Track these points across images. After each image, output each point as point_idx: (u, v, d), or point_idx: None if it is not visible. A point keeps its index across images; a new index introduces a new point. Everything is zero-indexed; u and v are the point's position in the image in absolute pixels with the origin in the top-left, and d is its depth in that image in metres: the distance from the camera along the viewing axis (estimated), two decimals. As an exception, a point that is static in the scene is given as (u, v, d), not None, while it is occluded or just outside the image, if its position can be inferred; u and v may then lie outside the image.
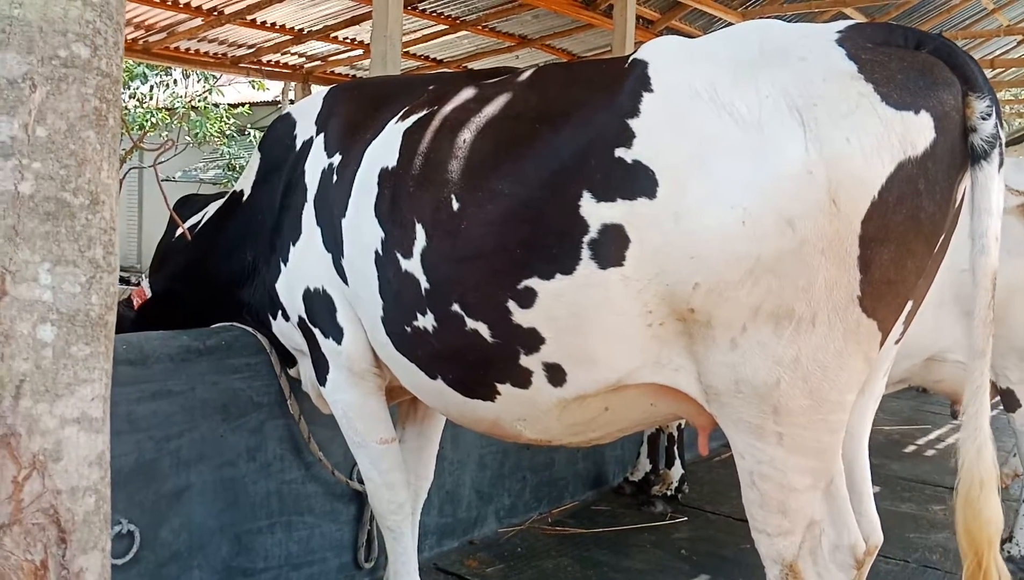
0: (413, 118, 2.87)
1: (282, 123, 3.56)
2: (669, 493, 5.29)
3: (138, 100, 15.66)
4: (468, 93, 2.80)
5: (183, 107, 15.85)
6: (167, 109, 15.90)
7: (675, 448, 5.37)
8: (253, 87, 15.33)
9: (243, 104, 16.91)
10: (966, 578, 2.26)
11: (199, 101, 16.21)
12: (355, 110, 3.24)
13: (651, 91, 2.32)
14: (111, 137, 1.82)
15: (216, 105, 16.38)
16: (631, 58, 2.47)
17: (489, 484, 4.75)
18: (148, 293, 3.84)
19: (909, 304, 2.30)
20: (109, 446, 1.87)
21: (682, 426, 5.37)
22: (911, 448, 6.92)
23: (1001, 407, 4.39)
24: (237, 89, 17.81)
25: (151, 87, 15.59)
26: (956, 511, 2.25)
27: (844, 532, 2.42)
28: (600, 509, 5.24)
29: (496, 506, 4.80)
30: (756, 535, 2.40)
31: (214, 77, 15.99)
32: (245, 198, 3.62)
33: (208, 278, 3.68)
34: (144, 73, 15.02)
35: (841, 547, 2.41)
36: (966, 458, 2.23)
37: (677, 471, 5.35)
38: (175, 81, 15.93)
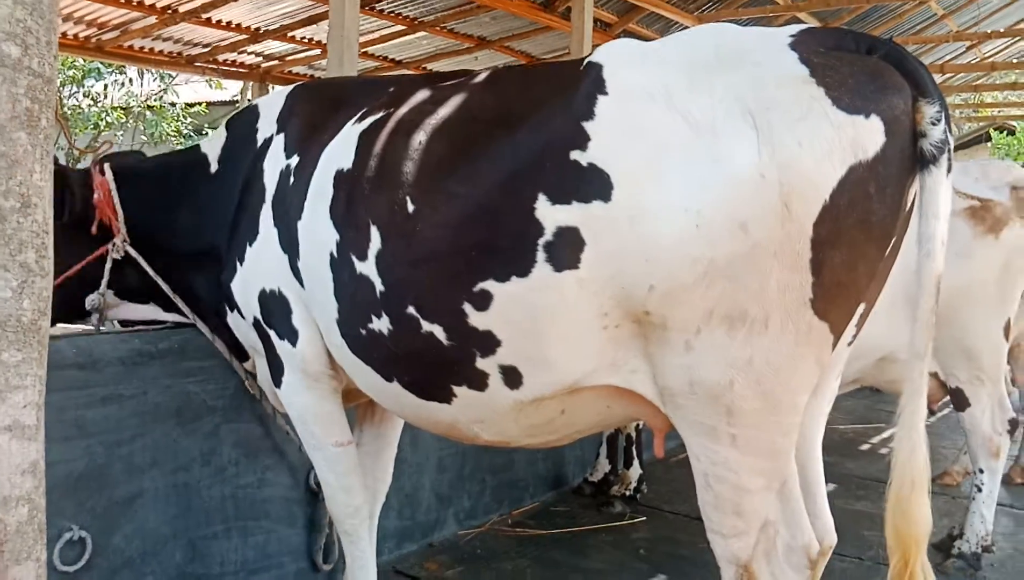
0: (370, 120, 2.85)
1: (249, 113, 3.51)
2: (628, 493, 5.32)
3: (92, 98, 15.38)
4: (424, 95, 2.79)
5: (139, 106, 15.60)
6: (122, 108, 15.64)
7: (633, 448, 5.40)
8: (210, 86, 15.15)
9: (200, 103, 16.69)
10: (892, 577, 2.29)
11: (155, 100, 15.96)
12: (314, 111, 3.21)
13: (606, 94, 2.32)
14: (44, 139, 1.77)
15: (172, 104, 16.15)
16: (586, 61, 2.47)
17: (448, 486, 4.73)
18: (112, 185, 3.51)
19: (861, 306, 2.32)
20: (43, 454, 1.83)
21: (640, 427, 5.40)
22: (865, 446, 7.02)
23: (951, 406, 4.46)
24: (194, 88, 17.58)
25: (105, 85, 15.32)
26: (886, 510, 2.29)
27: (798, 533, 2.44)
28: (559, 510, 5.24)
29: (455, 508, 4.78)
30: (711, 536, 2.41)
31: (170, 76, 15.76)
32: (212, 172, 3.50)
33: (168, 232, 3.53)
34: (99, 69, 14.74)
35: (795, 548, 2.43)
36: (899, 457, 2.27)
37: (635, 471, 5.38)
38: (130, 80, 15.68)
